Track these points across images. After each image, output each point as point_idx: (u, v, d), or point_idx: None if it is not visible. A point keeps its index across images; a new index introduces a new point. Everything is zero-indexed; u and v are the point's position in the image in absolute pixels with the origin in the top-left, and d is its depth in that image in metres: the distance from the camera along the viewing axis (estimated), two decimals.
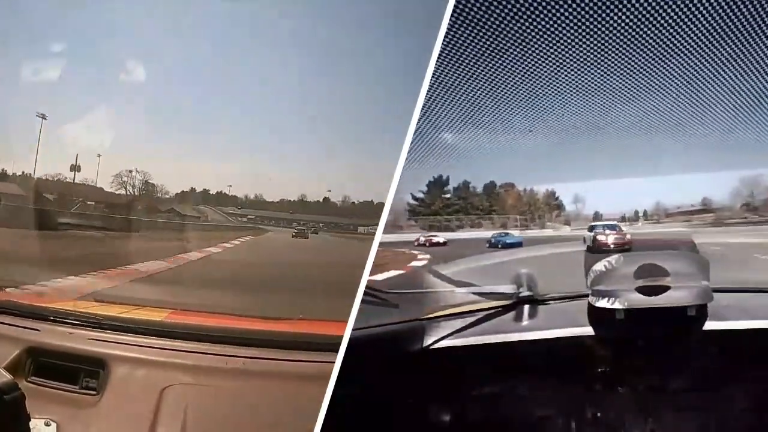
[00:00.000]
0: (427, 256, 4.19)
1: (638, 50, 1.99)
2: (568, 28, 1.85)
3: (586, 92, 2.36)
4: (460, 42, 1.92)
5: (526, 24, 1.83)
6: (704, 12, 1.79)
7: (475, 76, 2.17)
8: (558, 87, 2.28)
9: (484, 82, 2.24)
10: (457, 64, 2.06)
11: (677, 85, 2.32)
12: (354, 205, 6.14)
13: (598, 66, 2.11)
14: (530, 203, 4.80)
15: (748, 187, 3.94)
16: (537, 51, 2.00)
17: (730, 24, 1.87)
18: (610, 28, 1.86)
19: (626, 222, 4.28)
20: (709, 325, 1.81)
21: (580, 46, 1.96)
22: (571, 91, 2.34)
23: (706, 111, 2.59)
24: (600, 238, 3.57)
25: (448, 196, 4.53)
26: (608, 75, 2.20)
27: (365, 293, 1.62)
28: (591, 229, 3.74)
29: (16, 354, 1.53)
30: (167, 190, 5.67)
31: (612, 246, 3.43)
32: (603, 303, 1.83)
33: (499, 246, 4.11)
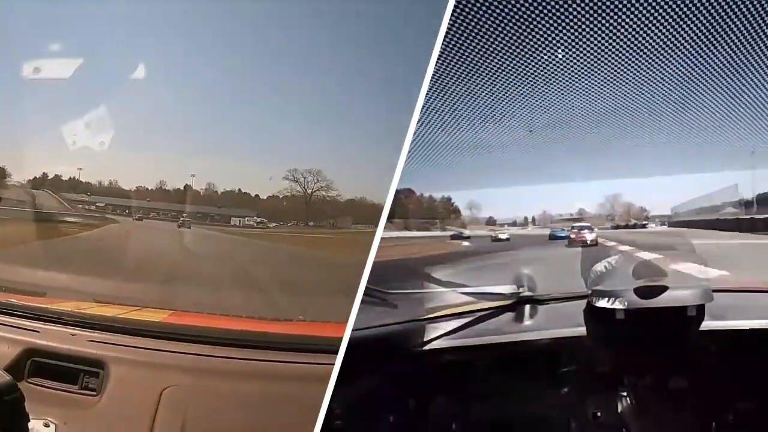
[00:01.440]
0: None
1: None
2: (568, 28, 1.85)
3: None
4: (460, 42, 1.92)
5: (526, 24, 1.83)
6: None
7: (474, 76, 2.17)
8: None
9: (484, 82, 2.24)
10: (457, 64, 2.06)
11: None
12: (217, 194, 5.31)
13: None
14: (429, 208, 5.33)
15: (610, 202, 4.96)
16: (537, 51, 2.00)
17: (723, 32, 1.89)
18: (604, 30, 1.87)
19: (518, 226, 5.18)
20: (709, 325, 1.81)
21: (581, 46, 1.96)
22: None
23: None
24: (574, 236, 4.57)
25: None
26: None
27: (365, 293, 1.62)
28: (572, 228, 4.70)
29: (16, 355, 1.53)
30: (9, 172, 4.65)
31: (588, 241, 4.43)
32: (603, 303, 1.83)
33: (553, 238, 4.99)
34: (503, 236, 5.00)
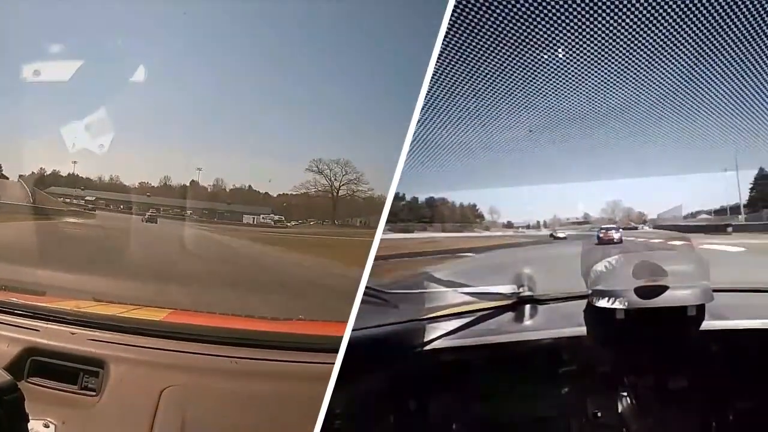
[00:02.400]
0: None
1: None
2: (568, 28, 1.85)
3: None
4: (460, 42, 1.92)
5: (527, 24, 1.83)
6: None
7: (474, 76, 2.17)
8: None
9: (484, 82, 2.24)
10: (457, 64, 2.06)
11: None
12: (225, 191, 4.64)
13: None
14: (460, 213, 5.64)
15: (611, 207, 5.31)
16: (538, 50, 2.00)
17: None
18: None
19: (530, 228, 5.53)
20: (709, 325, 1.81)
21: (581, 46, 1.96)
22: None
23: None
24: (603, 235, 4.93)
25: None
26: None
27: (365, 293, 1.62)
28: (600, 229, 5.08)
29: (15, 354, 1.53)
30: None
31: (614, 240, 4.79)
32: (603, 303, 1.83)
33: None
34: (561, 235, 5.46)
